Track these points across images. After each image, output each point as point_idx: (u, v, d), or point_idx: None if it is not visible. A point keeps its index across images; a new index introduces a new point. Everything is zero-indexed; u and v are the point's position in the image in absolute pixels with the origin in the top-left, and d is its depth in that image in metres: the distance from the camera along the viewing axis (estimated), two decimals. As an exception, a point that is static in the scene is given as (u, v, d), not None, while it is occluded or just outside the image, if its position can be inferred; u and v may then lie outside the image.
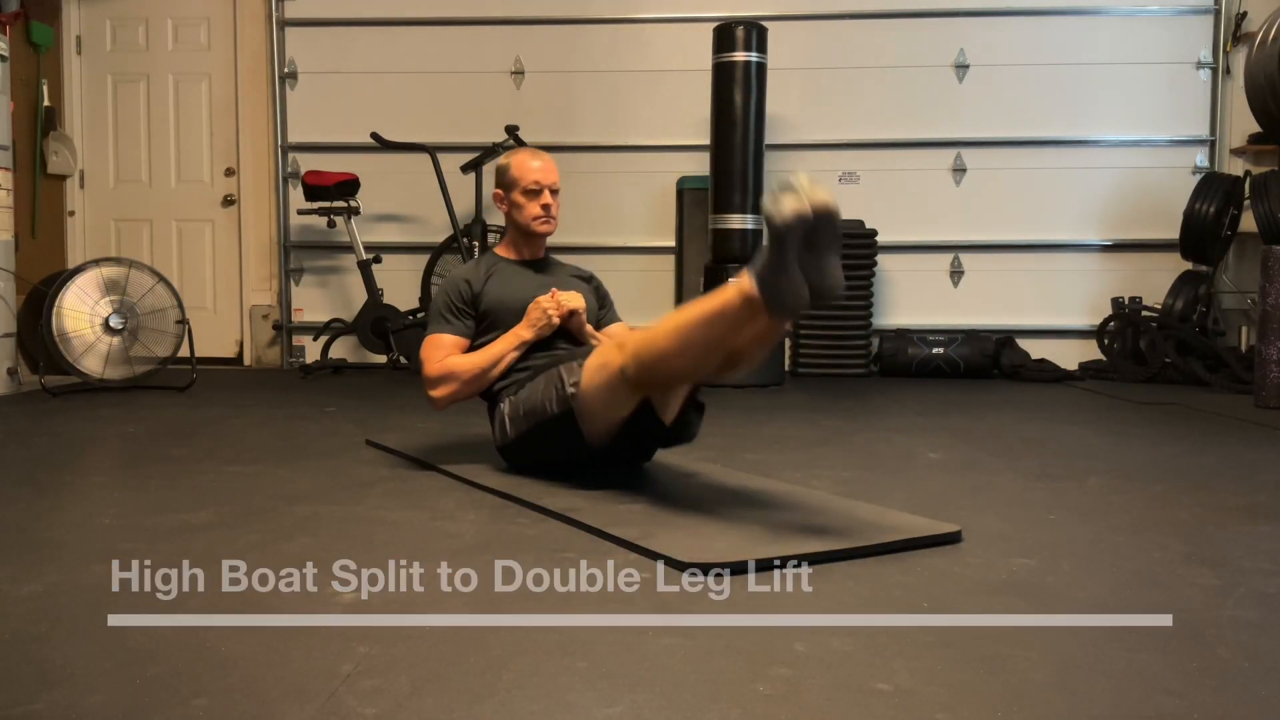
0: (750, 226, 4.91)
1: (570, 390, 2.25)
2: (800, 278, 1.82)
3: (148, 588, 1.63)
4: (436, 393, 2.57)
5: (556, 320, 2.57)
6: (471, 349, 2.61)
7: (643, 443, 2.42)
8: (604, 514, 2.07)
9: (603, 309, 2.81)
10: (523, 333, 2.56)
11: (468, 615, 1.50)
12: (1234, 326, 5.40)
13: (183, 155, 5.86)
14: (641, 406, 2.21)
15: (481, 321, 2.63)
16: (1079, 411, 3.95)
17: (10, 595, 1.60)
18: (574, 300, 2.60)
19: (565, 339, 2.63)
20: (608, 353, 2.18)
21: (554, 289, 2.62)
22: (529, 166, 2.66)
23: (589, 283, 2.80)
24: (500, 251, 2.78)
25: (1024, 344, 5.36)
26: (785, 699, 1.21)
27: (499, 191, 2.71)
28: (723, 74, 4.86)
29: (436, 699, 1.20)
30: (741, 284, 1.88)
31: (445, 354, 2.58)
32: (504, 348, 2.55)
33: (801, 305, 1.84)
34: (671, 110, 5.58)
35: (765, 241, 1.84)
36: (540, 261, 2.77)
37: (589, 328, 2.67)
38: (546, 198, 2.66)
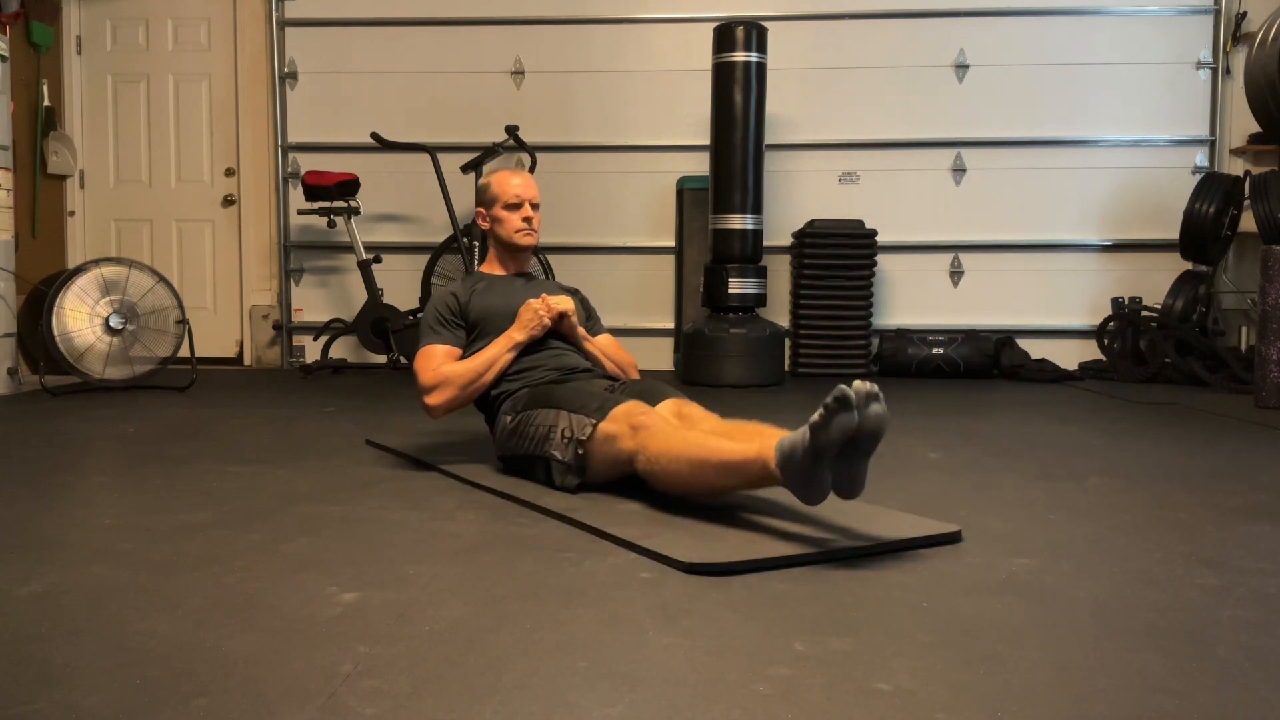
0: (750, 226, 4.91)
1: (580, 452, 2.26)
2: (828, 478, 1.81)
3: (148, 587, 1.64)
4: (432, 400, 2.57)
5: (548, 321, 2.59)
6: (463, 358, 2.63)
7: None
8: (604, 514, 2.07)
9: (589, 321, 2.83)
10: (515, 334, 2.58)
11: (468, 615, 1.50)
12: (1234, 326, 5.40)
13: (183, 155, 5.87)
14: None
15: (471, 331, 2.66)
16: (1079, 411, 3.95)
17: (10, 595, 1.60)
18: (564, 303, 2.63)
19: (557, 339, 2.65)
20: (621, 432, 2.18)
21: (544, 294, 2.66)
22: (509, 182, 2.72)
23: (575, 295, 2.83)
24: (484, 269, 2.83)
25: (1024, 344, 5.36)
26: (785, 699, 1.21)
27: (481, 210, 2.77)
28: (723, 74, 4.86)
29: (436, 699, 1.20)
30: (767, 455, 1.86)
31: (438, 363, 2.60)
32: (497, 351, 2.57)
33: (818, 499, 1.83)
34: (671, 110, 5.58)
35: (804, 435, 1.78)
36: (525, 275, 2.82)
37: (581, 330, 2.69)
38: (528, 210, 2.71)
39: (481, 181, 2.81)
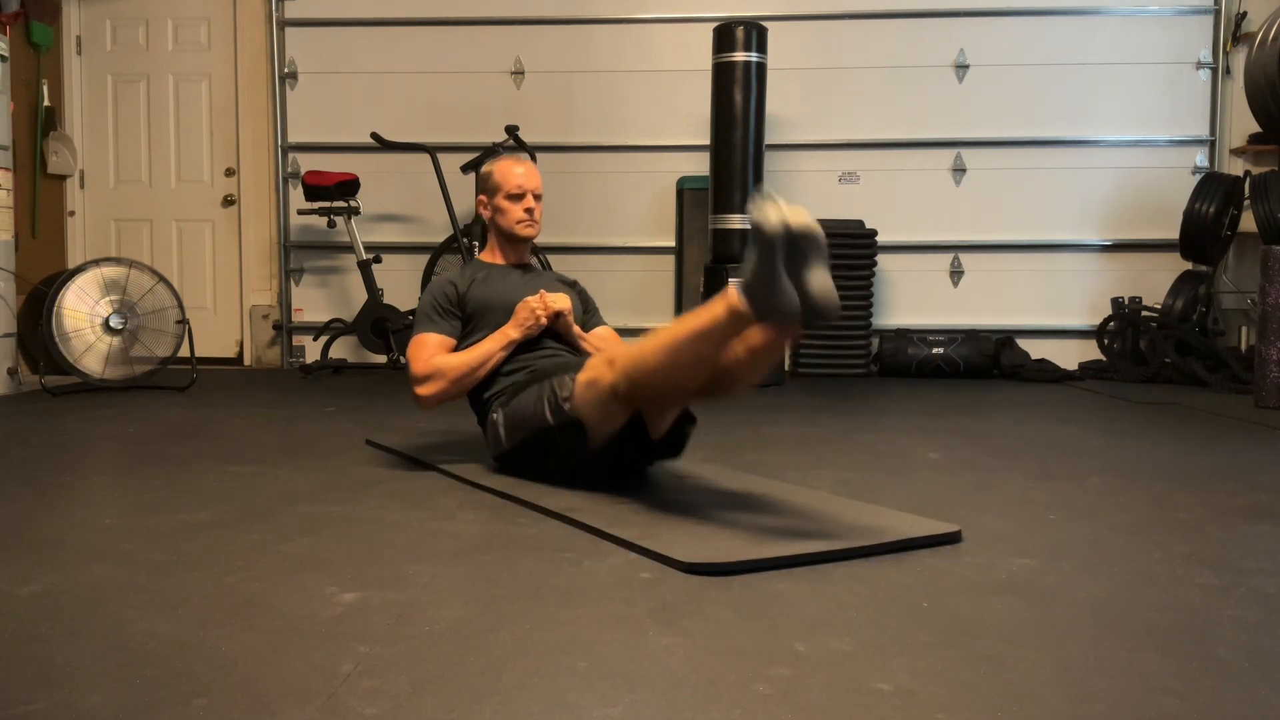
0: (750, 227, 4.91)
1: (566, 400, 2.25)
2: (788, 284, 1.81)
3: (148, 587, 1.64)
4: (423, 390, 2.56)
5: (544, 321, 2.58)
6: (458, 349, 2.62)
7: (632, 457, 2.40)
8: (604, 514, 2.07)
9: (587, 313, 2.83)
10: (510, 332, 2.57)
11: (468, 615, 1.50)
12: (1234, 326, 5.40)
13: (183, 155, 5.87)
14: (632, 420, 2.21)
15: (468, 322, 2.65)
16: (1079, 411, 3.95)
17: (10, 595, 1.60)
18: (561, 301, 2.62)
19: (553, 339, 2.65)
20: (598, 369, 2.18)
21: (541, 290, 2.64)
22: (512, 172, 2.69)
23: (573, 288, 2.83)
24: (484, 258, 2.81)
25: (1024, 344, 5.36)
26: (785, 699, 1.21)
27: (482, 198, 2.74)
28: (723, 74, 4.86)
29: (436, 699, 1.20)
30: (729, 297, 1.88)
31: (431, 353, 2.58)
32: (492, 347, 2.56)
33: (790, 310, 1.81)
34: (671, 110, 5.58)
35: (752, 251, 1.82)
36: (524, 266, 2.80)
37: (576, 329, 2.69)
38: (529, 201, 2.68)
39: (484, 168, 2.76)
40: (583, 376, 2.22)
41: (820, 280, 1.82)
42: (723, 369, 2.06)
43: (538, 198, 2.70)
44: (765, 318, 1.85)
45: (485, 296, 2.64)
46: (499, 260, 2.78)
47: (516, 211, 2.68)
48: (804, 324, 1.86)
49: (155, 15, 5.80)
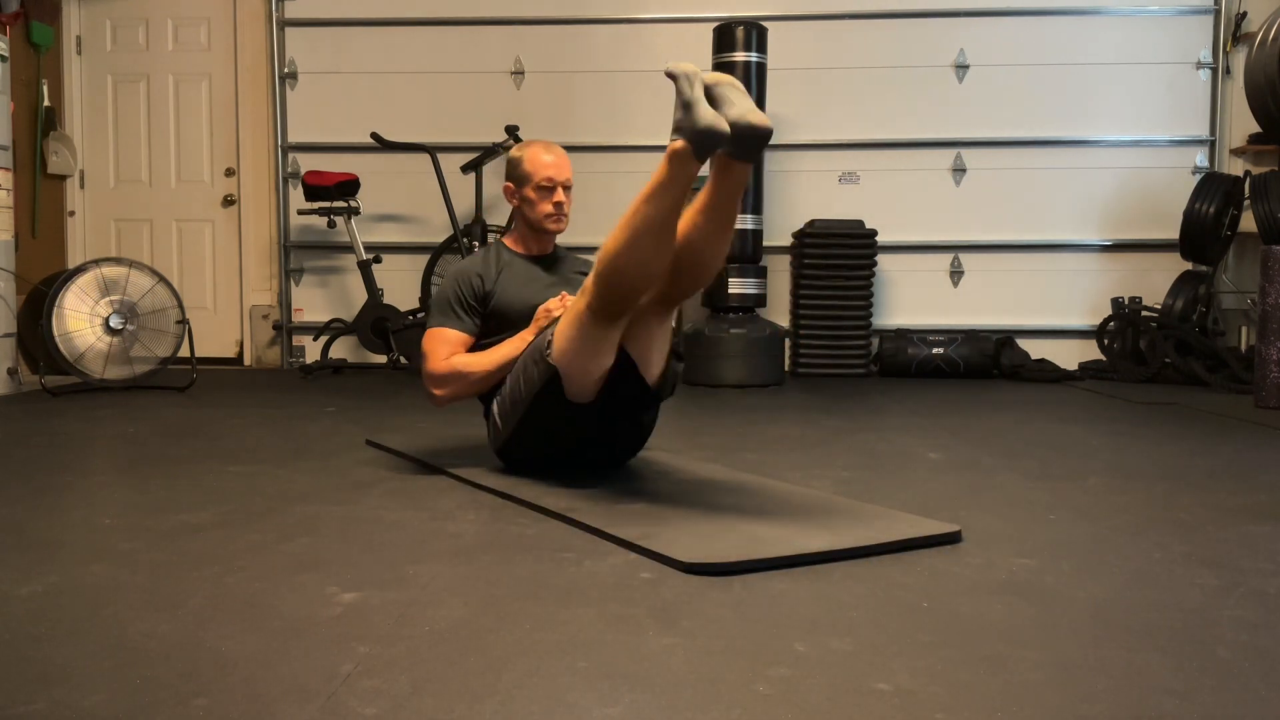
0: (750, 226, 4.91)
1: (547, 353, 2.23)
2: (709, 108, 1.95)
3: (148, 587, 1.64)
4: (439, 390, 2.53)
5: None
6: (475, 348, 2.57)
7: (627, 401, 2.34)
8: (604, 514, 2.07)
9: None
10: (530, 337, 2.53)
11: (468, 615, 1.50)
12: (1234, 326, 5.40)
13: (183, 155, 5.87)
14: (623, 362, 2.20)
15: (487, 320, 2.59)
16: (1079, 411, 3.95)
17: (10, 595, 1.60)
18: None
19: None
20: (572, 303, 2.21)
21: (564, 293, 2.56)
22: (542, 161, 2.58)
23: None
24: (509, 243, 2.71)
25: (1024, 344, 5.36)
26: (785, 699, 1.21)
27: (509, 185, 2.63)
28: (723, 74, 4.85)
29: (436, 699, 1.20)
30: (672, 147, 1.99)
31: (450, 351, 2.53)
32: (510, 351, 2.48)
33: (718, 128, 1.93)
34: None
35: (676, 105, 2.00)
36: (549, 257, 2.72)
37: None
38: (559, 195, 2.59)
39: (514, 153, 2.64)
40: (562, 319, 2.23)
41: (741, 103, 1.98)
42: (686, 242, 2.11)
43: (567, 189, 2.60)
44: (698, 143, 1.96)
45: (509, 299, 2.57)
46: (523, 250, 2.69)
47: (545, 205, 2.59)
48: (740, 148, 2.00)
49: (155, 15, 5.81)
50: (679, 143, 1.98)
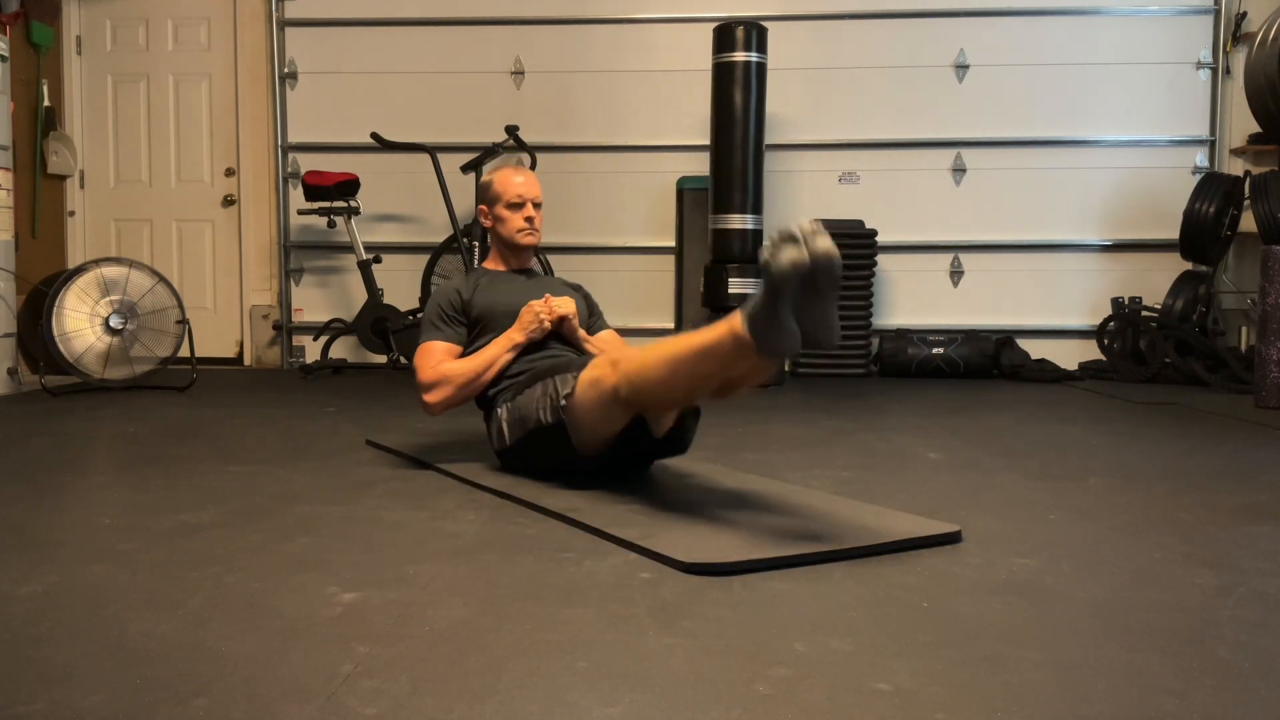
0: (750, 226, 4.91)
1: (563, 403, 2.26)
2: (794, 325, 1.80)
3: (148, 587, 1.64)
4: (431, 398, 2.58)
5: (548, 325, 2.59)
6: (464, 355, 2.63)
7: (635, 455, 2.41)
8: (604, 514, 2.07)
9: (592, 317, 2.84)
10: (515, 335, 2.58)
11: (468, 615, 1.50)
12: (1234, 326, 5.40)
13: (183, 155, 5.87)
14: (634, 420, 2.22)
15: (473, 328, 2.66)
16: (1079, 411, 3.95)
17: (10, 595, 1.60)
18: (566, 305, 2.63)
19: (557, 341, 2.66)
20: (601, 370, 2.18)
21: (547, 294, 2.65)
22: (512, 181, 2.71)
23: (577, 292, 2.83)
24: (487, 266, 2.83)
25: (1024, 344, 5.36)
26: (785, 699, 1.21)
27: (483, 207, 2.77)
28: (723, 74, 4.86)
29: (436, 699, 1.20)
30: (734, 323, 1.86)
31: (438, 360, 2.60)
32: (497, 351, 2.57)
33: (792, 351, 1.83)
34: (671, 110, 5.58)
35: (761, 286, 1.81)
36: (528, 271, 2.82)
37: (582, 332, 2.69)
38: (529, 210, 2.72)
39: (483, 179, 2.81)
40: (585, 375, 2.22)
41: (825, 318, 1.82)
42: (720, 384, 2.06)
43: (537, 206, 2.73)
44: (765, 352, 1.85)
45: (489, 302, 2.65)
46: (501, 268, 2.80)
47: (517, 220, 2.71)
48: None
49: (155, 15, 5.81)
50: (747, 336, 1.83)
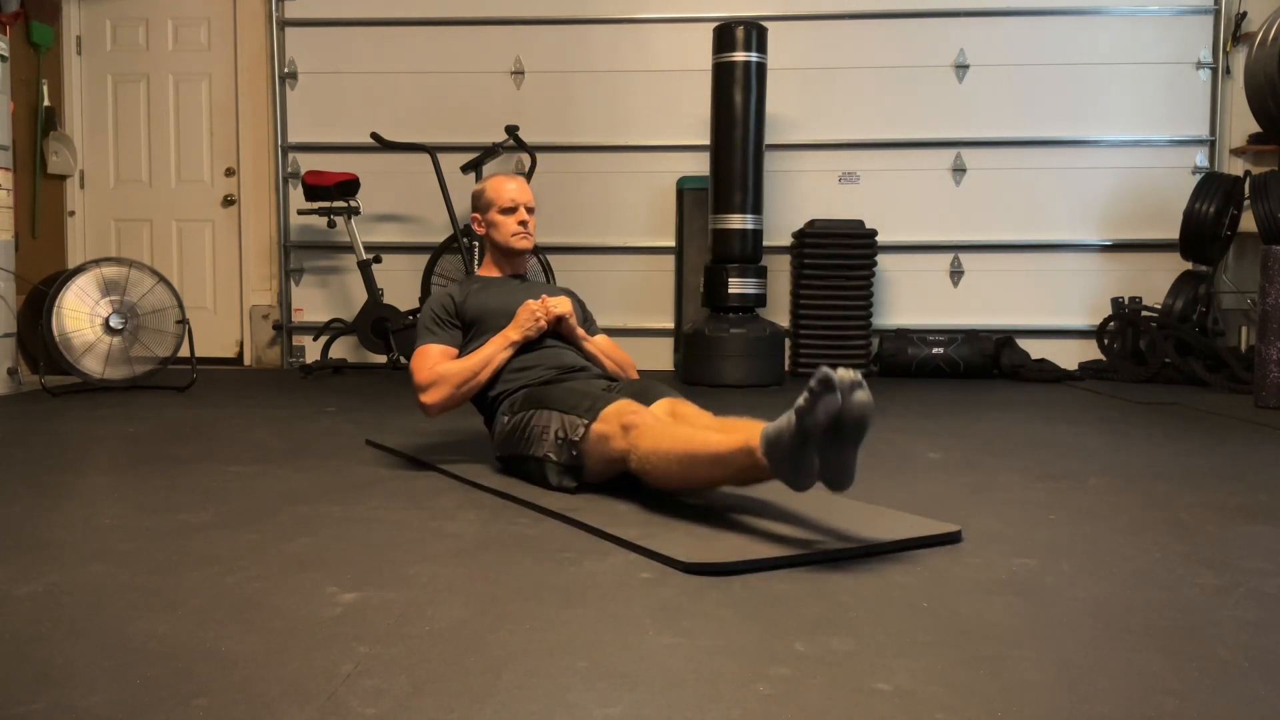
0: (750, 226, 4.91)
1: (573, 451, 2.27)
2: (815, 465, 1.78)
3: (148, 587, 1.64)
4: (428, 398, 2.58)
5: (544, 324, 2.60)
6: (460, 356, 2.64)
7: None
8: (604, 514, 2.07)
9: (586, 323, 2.84)
10: (511, 334, 2.58)
11: (468, 615, 1.50)
12: (1234, 326, 5.40)
13: (183, 155, 5.87)
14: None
15: (468, 330, 2.67)
16: (1079, 411, 3.95)
17: (10, 595, 1.60)
18: (562, 305, 2.64)
19: (554, 338, 2.67)
20: (612, 429, 2.18)
21: (543, 294, 2.67)
22: (504, 188, 2.75)
23: (571, 296, 2.83)
24: (482, 273, 2.86)
25: (1024, 344, 5.36)
26: (785, 699, 1.21)
27: (476, 215, 2.80)
28: (723, 74, 4.86)
29: (436, 699, 1.20)
30: (753, 442, 1.84)
31: (434, 362, 2.61)
32: (493, 350, 2.58)
33: (805, 486, 1.81)
34: (671, 110, 5.58)
35: (790, 419, 1.76)
36: (521, 277, 2.85)
37: (580, 330, 2.71)
38: (523, 214, 2.75)
39: (476, 188, 2.85)
40: (597, 427, 2.22)
41: (845, 463, 1.80)
42: (729, 481, 2.09)
43: (530, 211, 2.77)
44: (778, 478, 1.83)
45: (484, 303, 2.68)
46: (496, 274, 2.82)
47: (510, 224, 2.74)
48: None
49: (155, 15, 5.81)
50: (764, 461, 1.82)
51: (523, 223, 2.74)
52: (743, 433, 1.91)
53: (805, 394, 1.73)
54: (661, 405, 2.34)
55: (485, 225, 2.78)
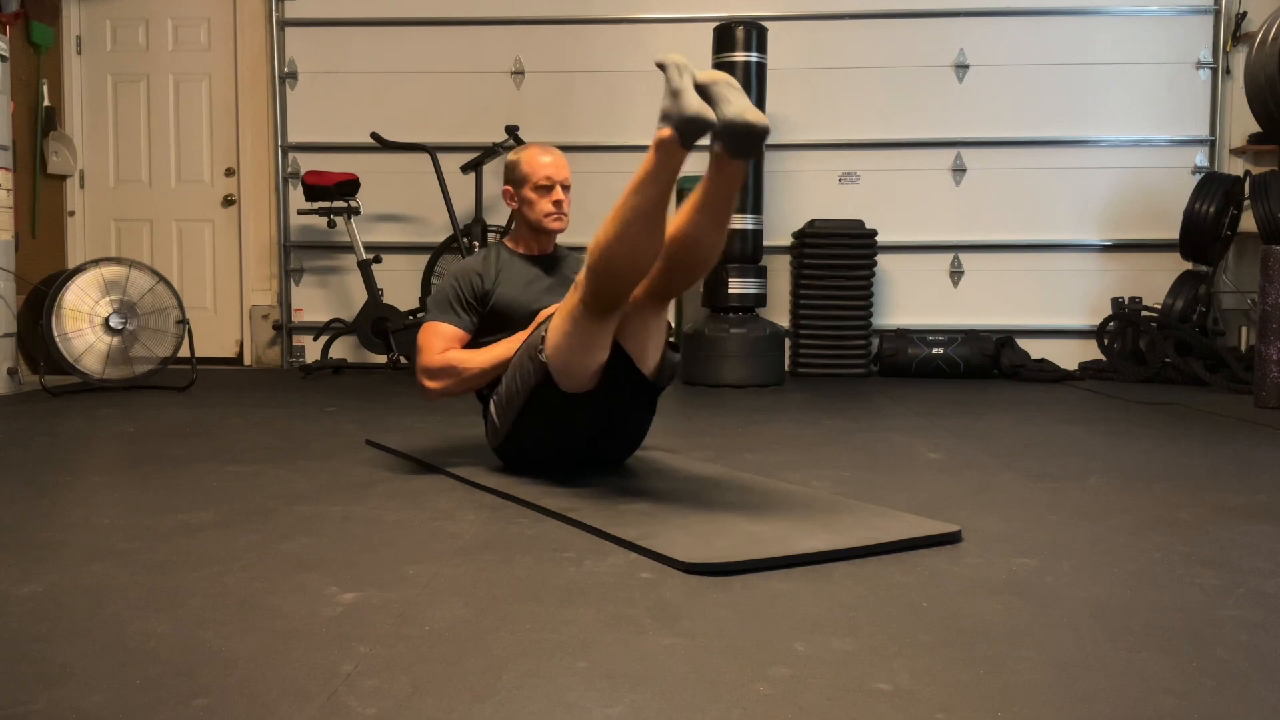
0: (750, 226, 4.91)
1: (540, 348, 2.24)
2: (697, 98, 1.95)
3: (148, 587, 1.64)
4: (432, 384, 2.52)
5: None
6: (472, 345, 2.57)
7: (625, 391, 2.33)
8: (604, 514, 2.07)
9: None
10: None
11: (468, 615, 1.50)
12: (1234, 326, 5.41)
13: (183, 155, 5.87)
14: (618, 356, 2.21)
15: (487, 320, 2.58)
16: (1079, 411, 3.95)
17: (10, 595, 1.60)
18: None
19: None
20: (565, 299, 2.21)
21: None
22: (540, 162, 2.59)
23: None
24: (510, 244, 2.70)
25: (1024, 344, 5.36)
26: (785, 699, 1.21)
27: (508, 188, 2.64)
28: (723, 74, 4.85)
29: (436, 699, 1.20)
30: (655, 138, 2.00)
31: (445, 345, 2.53)
32: (506, 352, 2.47)
33: (705, 118, 1.94)
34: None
35: (665, 93, 2.00)
36: (550, 257, 2.70)
37: None
38: (558, 194, 2.59)
39: (511, 157, 2.67)
40: (554, 317, 2.23)
41: (737, 101, 1.97)
42: (681, 236, 2.13)
43: (566, 189, 2.61)
44: (684, 130, 1.96)
45: (508, 300, 2.56)
46: (523, 250, 2.68)
47: (545, 204, 2.59)
48: (731, 144, 2.01)
49: (155, 15, 5.81)
50: (666, 130, 1.99)
51: (557, 203, 2.59)
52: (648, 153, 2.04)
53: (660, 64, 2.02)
54: None
55: (517, 200, 2.62)
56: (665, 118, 2.00)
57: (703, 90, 1.99)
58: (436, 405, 3.66)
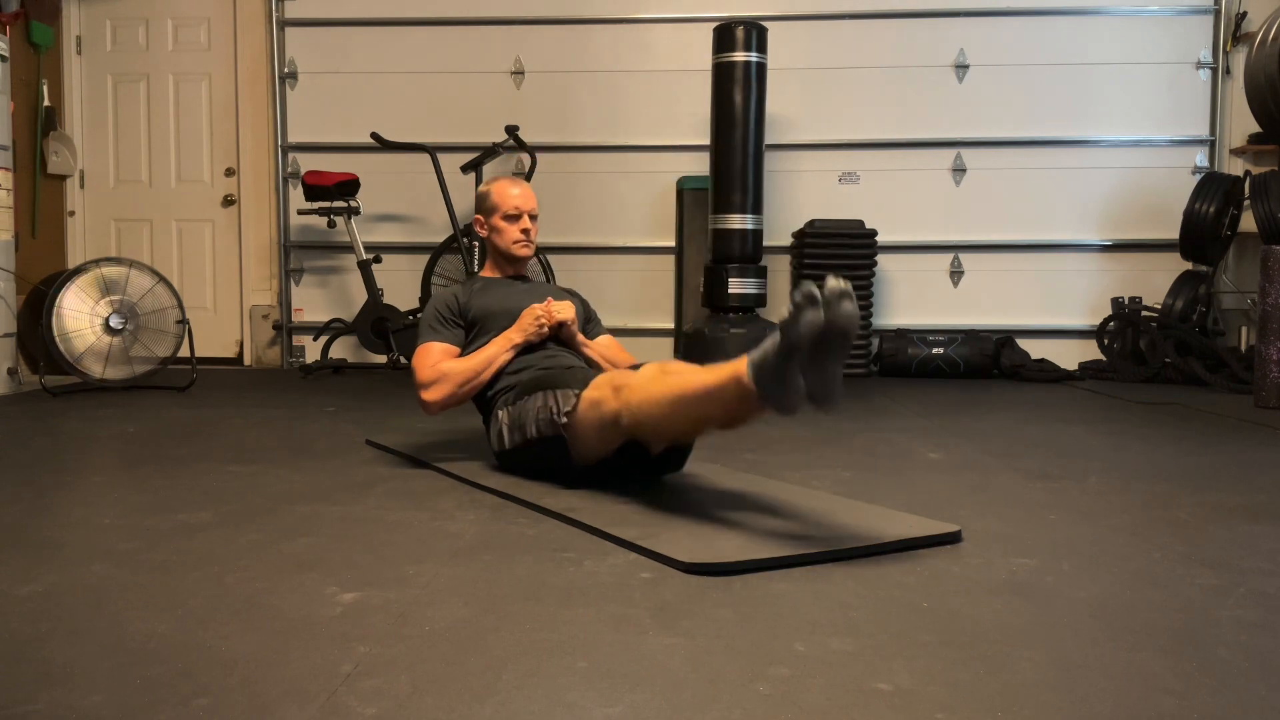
0: (750, 226, 4.91)
1: (563, 420, 2.27)
2: (801, 384, 1.79)
3: (148, 587, 1.64)
4: (429, 395, 2.59)
5: (547, 330, 2.62)
6: (462, 355, 2.65)
7: (631, 469, 2.40)
8: (604, 514, 2.07)
9: (589, 323, 2.85)
10: (514, 336, 2.60)
11: (468, 615, 1.50)
12: (1234, 326, 5.41)
13: (183, 155, 5.87)
14: (630, 439, 2.23)
15: (471, 329, 2.68)
16: (1079, 411, 3.95)
17: (10, 595, 1.60)
18: (566, 310, 2.65)
19: (555, 343, 2.68)
20: (603, 393, 2.19)
21: (549, 298, 2.68)
22: (509, 193, 2.75)
23: (573, 297, 2.85)
24: (484, 274, 2.86)
25: (1024, 344, 5.36)
26: (785, 699, 1.21)
27: (479, 217, 2.81)
28: (723, 74, 4.86)
29: (436, 699, 1.20)
30: (739, 371, 1.85)
31: (436, 360, 2.62)
32: (495, 350, 2.59)
33: (796, 410, 1.82)
34: (671, 110, 5.58)
35: (774, 338, 1.79)
36: (523, 278, 2.86)
37: (580, 336, 2.72)
38: (525, 222, 2.76)
39: (481, 189, 2.86)
40: (588, 395, 2.22)
41: (831, 378, 1.80)
42: (720, 422, 2.07)
43: (533, 218, 2.77)
44: (768, 405, 1.84)
45: (487, 304, 2.69)
46: (497, 275, 2.84)
47: (513, 232, 2.75)
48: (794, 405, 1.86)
49: (155, 15, 5.81)
50: (750, 387, 1.83)
51: (525, 230, 2.75)
52: (729, 367, 1.92)
53: (790, 307, 1.76)
54: (650, 366, 2.32)
55: (488, 229, 2.79)
56: (757, 378, 1.81)
57: (818, 344, 1.78)
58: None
